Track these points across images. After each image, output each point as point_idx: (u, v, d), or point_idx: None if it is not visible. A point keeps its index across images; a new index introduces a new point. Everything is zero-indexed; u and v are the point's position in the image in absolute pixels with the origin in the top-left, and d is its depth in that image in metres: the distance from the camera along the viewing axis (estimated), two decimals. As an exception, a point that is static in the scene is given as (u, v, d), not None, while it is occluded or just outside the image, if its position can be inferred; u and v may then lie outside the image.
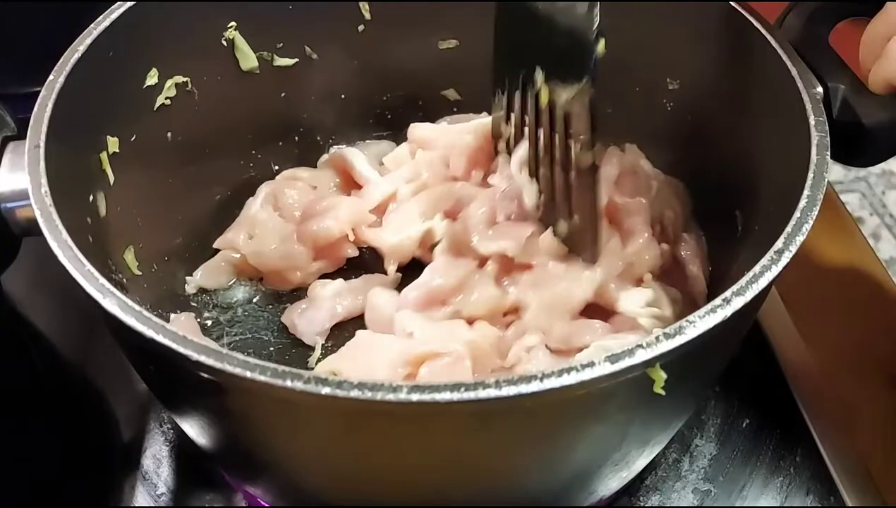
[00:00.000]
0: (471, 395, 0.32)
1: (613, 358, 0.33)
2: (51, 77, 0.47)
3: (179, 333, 0.35)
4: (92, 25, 0.51)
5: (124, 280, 0.52)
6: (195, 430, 0.44)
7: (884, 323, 0.61)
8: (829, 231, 0.68)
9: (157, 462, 0.55)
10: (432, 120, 0.70)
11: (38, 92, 0.46)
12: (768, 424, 0.56)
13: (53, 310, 0.63)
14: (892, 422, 0.56)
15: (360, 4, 0.64)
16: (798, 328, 0.60)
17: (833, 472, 0.54)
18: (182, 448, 0.56)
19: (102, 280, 0.37)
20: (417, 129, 0.67)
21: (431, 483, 0.40)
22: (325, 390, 0.33)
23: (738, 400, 0.57)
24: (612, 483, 0.46)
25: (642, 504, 0.53)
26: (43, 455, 0.55)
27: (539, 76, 0.51)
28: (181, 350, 0.34)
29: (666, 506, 0.53)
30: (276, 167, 0.67)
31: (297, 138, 0.68)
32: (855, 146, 0.49)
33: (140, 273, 0.54)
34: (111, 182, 0.52)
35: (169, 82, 0.57)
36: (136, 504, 0.53)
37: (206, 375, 0.35)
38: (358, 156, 0.67)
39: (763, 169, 0.50)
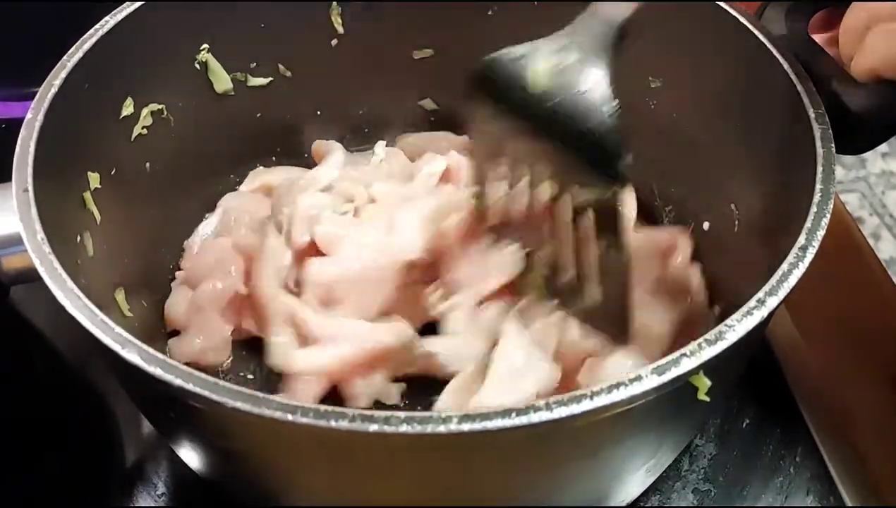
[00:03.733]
0: (522, 420, 0.32)
1: (660, 370, 0.33)
2: (28, 115, 0.45)
3: (210, 380, 0.33)
4: (65, 58, 0.48)
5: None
6: (213, 470, 0.42)
7: (884, 323, 0.61)
8: (829, 231, 0.68)
9: (156, 462, 0.54)
10: (407, 131, 0.69)
11: (29, 92, 0.44)
12: (768, 424, 0.56)
13: (53, 310, 0.60)
14: (892, 422, 0.56)
15: (332, 19, 0.63)
16: (798, 328, 0.60)
17: (833, 472, 0.54)
18: None
19: (118, 328, 0.35)
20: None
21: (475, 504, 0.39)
22: (373, 427, 0.32)
23: (738, 401, 0.57)
24: (640, 487, 0.46)
25: (642, 504, 0.52)
26: (43, 455, 0.54)
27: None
28: (214, 397, 0.33)
29: (666, 506, 0.52)
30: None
31: (274, 158, 0.67)
32: (847, 134, 0.49)
33: (131, 314, 0.52)
34: (97, 220, 0.50)
35: (145, 111, 0.55)
36: (136, 504, 0.52)
37: (239, 420, 0.33)
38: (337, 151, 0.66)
39: (758, 162, 0.51)
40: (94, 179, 0.50)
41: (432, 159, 0.66)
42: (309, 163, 0.67)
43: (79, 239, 0.47)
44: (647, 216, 0.64)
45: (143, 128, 0.55)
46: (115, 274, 0.51)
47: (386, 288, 0.54)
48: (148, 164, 0.56)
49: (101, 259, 0.49)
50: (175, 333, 0.57)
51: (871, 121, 0.49)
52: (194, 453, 0.43)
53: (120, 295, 0.52)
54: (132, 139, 0.55)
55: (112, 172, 0.52)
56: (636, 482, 0.44)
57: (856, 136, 0.50)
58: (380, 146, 0.67)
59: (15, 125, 0.44)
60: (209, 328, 0.54)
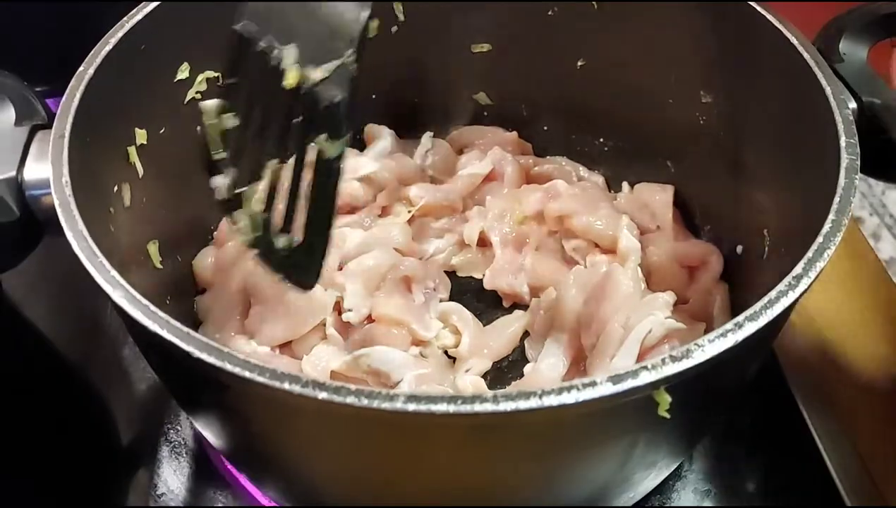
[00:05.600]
0: (467, 409, 0.32)
1: (616, 379, 0.33)
2: (81, 68, 0.48)
3: (183, 329, 0.35)
4: (125, 18, 0.51)
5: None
6: (210, 431, 0.44)
7: (884, 323, 0.60)
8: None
9: (157, 462, 0.55)
10: (460, 124, 0.70)
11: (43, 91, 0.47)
12: (768, 424, 0.56)
13: (53, 311, 0.62)
14: (893, 422, 0.56)
15: (394, 5, 0.64)
16: (798, 328, 0.60)
17: (833, 472, 0.53)
18: (181, 448, 0.56)
19: (114, 272, 0.38)
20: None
21: (431, 491, 0.39)
22: (322, 395, 0.33)
23: (739, 401, 0.56)
24: (615, 502, 0.46)
25: (642, 504, 0.52)
26: (43, 455, 0.55)
27: (290, 52, 0.41)
28: (186, 347, 0.35)
29: (666, 506, 0.53)
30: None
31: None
32: (885, 162, 0.47)
33: (161, 267, 0.55)
34: (140, 174, 0.53)
35: (200, 77, 0.58)
36: (137, 504, 0.53)
37: (211, 374, 0.35)
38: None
39: (791, 188, 0.49)
40: (140, 135, 0.53)
41: (477, 159, 0.66)
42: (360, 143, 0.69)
43: (116, 188, 0.50)
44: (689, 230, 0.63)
45: (197, 92, 0.58)
46: (151, 226, 0.54)
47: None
48: (199, 128, 0.59)
49: (139, 211, 0.52)
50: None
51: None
52: (196, 411, 0.45)
53: (153, 247, 0.54)
54: (185, 102, 0.57)
55: (161, 131, 0.55)
56: (607, 497, 0.43)
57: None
58: (427, 137, 0.68)
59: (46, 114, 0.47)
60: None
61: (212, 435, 0.45)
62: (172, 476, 0.55)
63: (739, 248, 0.56)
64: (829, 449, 0.54)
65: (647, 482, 0.47)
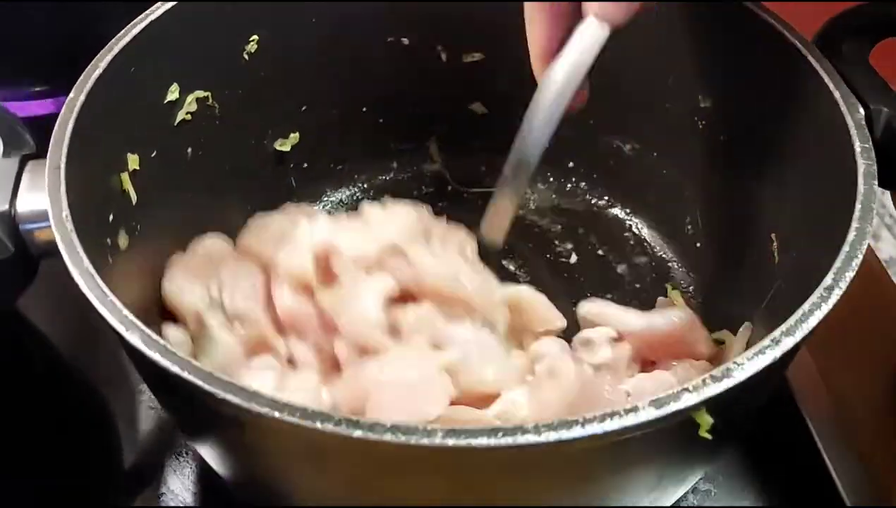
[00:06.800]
0: (508, 441, 0.31)
1: (658, 403, 0.32)
2: (71, 95, 0.46)
3: (205, 369, 0.33)
4: (113, 41, 0.49)
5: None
6: (220, 463, 0.43)
7: (884, 323, 0.61)
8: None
9: (159, 464, 0.54)
10: (458, 134, 0.69)
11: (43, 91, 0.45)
12: (768, 424, 0.54)
13: (53, 310, 0.61)
14: (892, 422, 0.56)
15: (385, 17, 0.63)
16: None
17: (833, 472, 0.53)
18: (181, 448, 0.55)
19: (125, 310, 0.36)
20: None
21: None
22: (357, 433, 0.31)
23: None
24: None
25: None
26: (42, 455, 0.55)
27: None
28: (207, 387, 0.33)
29: (666, 506, 0.52)
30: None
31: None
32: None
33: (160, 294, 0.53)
34: (133, 201, 0.51)
35: (190, 97, 0.56)
36: (136, 505, 0.53)
37: (231, 412, 0.33)
38: None
39: (802, 194, 0.49)
40: (133, 161, 0.51)
41: None
42: (354, 158, 0.68)
43: (111, 218, 0.48)
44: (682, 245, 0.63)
45: (187, 113, 0.56)
46: (147, 255, 0.52)
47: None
48: (190, 150, 0.57)
49: (135, 240, 0.50)
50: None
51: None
52: (202, 443, 0.44)
53: (151, 274, 0.53)
54: (175, 124, 0.56)
55: (152, 155, 0.53)
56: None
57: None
58: None
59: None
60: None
61: (220, 468, 0.43)
62: (173, 476, 0.54)
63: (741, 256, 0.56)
64: (829, 449, 0.54)
65: (671, 496, 0.46)
